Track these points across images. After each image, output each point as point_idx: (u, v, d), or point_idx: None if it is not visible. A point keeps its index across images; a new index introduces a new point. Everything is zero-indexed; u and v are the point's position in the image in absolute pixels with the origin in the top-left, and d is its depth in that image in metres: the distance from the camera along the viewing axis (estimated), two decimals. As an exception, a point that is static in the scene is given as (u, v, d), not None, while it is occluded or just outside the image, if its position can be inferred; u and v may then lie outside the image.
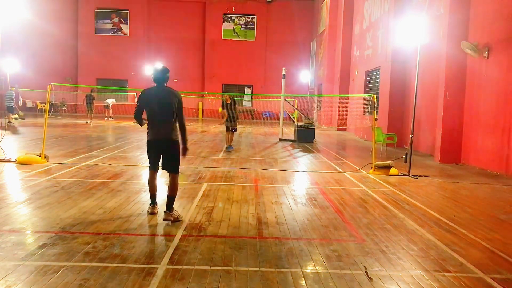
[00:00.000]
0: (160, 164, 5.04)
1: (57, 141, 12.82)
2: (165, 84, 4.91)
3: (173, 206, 4.91)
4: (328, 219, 5.23)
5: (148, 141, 4.97)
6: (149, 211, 5.14)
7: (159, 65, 5.21)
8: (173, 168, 4.94)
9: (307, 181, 8.01)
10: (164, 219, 4.81)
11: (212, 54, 31.26)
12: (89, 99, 20.66)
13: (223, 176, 7.95)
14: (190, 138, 15.12)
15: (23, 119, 20.12)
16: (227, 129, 12.10)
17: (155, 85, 4.91)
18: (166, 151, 4.90)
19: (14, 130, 15.92)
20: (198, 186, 6.90)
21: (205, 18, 31.24)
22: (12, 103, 19.32)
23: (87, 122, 20.43)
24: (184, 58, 30.83)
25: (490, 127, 9.60)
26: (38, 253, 3.76)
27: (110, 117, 24.97)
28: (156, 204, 5.18)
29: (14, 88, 20.22)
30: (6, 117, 18.85)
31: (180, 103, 4.86)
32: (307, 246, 4.21)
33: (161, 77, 4.86)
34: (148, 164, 5.09)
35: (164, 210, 4.86)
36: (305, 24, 31.08)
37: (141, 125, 5.14)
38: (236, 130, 12.37)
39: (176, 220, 4.83)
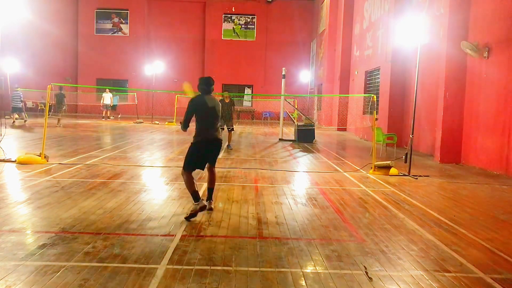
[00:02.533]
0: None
1: (57, 141, 12.82)
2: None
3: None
4: (328, 219, 5.23)
5: (197, 142, 5.29)
6: (198, 208, 5.03)
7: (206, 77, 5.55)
8: (215, 162, 5.56)
9: (307, 181, 8.01)
10: (209, 209, 5.30)
11: (212, 54, 31.25)
12: (60, 98, 19.37)
13: (223, 176, 7.95)
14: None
15: (25, 120, 20.02)
16: (222, 129, 12.22)
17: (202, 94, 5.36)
18: (215, 149, 5.42)
19: (14, 130, 15.91)
20: (198, 186, 6.88)
21: (205, 18, 31.23)
22: (20, 104, 19.26)
23: (58, 121, 18.56)
24: (184, 58, 30.83)
25: (490, 127, 9.60)
26: (38, 253, 3.76)
27: (109, 117, 24.90)
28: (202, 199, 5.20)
29: (19, 89, 20.01)
30: (11, 116, 18.96)
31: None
32: (307, 246, 4.21)
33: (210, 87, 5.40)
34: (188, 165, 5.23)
35: (208, 200, 5.44)
36: (305, 24, 31.08)
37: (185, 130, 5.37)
38: (233, 130, 12.53)
39: (210, 209, 5.35)
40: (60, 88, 20.42)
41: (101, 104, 24.96)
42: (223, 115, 12.06)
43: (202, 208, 5.07)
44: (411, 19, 9.11)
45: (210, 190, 5.51)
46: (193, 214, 5.00)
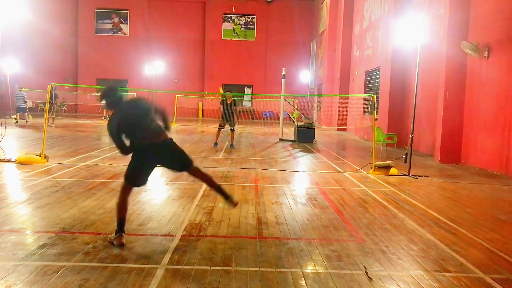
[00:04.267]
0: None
1: (57, 141, 12.82)
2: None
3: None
4: (328, 219, 5.23)
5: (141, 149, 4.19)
6: (115, 242, 4.01)
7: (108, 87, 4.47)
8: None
9: (307, 181, 8.01)
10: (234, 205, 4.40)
11: (212, 54, 31.26)
12: (53, 97, 18.19)
13: (223, 176, 7.95)
14: (190, 138, 15.18)
15: (27, 121, 20.02)
16: (220, 128, 12.30)
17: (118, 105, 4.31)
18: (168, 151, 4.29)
19: (14, 130, 15.90)
20: (198, 186, 6.87)
21: (205, 18, 31.24)
22: (23, 104, 19.33)
23: (53, 121, 18.37)
24: (184, 58, 30.84)
25: (490, 127, 9.59)
26: (38, 253, 3.76)
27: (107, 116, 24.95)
28: (124, 233, 4.09)
29: (23, 89, 19.92)
30: (15, 117, 19.21)
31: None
32: (307, 246, 4.20)
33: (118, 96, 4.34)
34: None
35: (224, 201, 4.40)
36: (305, 24, 31.08)
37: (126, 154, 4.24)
38: (234, 129, 12.63)
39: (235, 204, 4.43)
40: (53, 87, 20.23)
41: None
42: (226, 116, 12.13)
43: (120, 245, 3.99)
44: (411, 19, 9.11)
45: (219, 189, 4.43)
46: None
